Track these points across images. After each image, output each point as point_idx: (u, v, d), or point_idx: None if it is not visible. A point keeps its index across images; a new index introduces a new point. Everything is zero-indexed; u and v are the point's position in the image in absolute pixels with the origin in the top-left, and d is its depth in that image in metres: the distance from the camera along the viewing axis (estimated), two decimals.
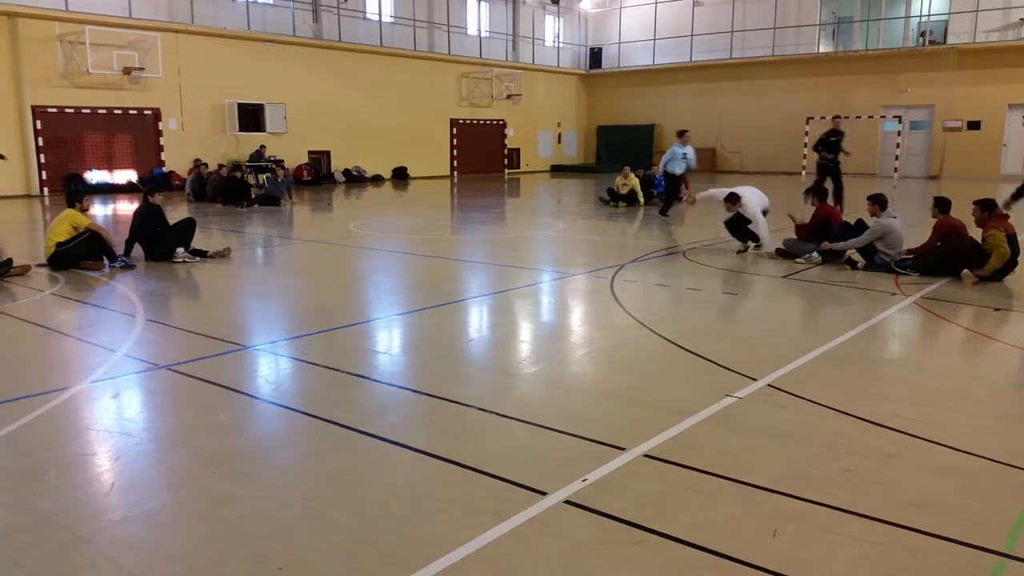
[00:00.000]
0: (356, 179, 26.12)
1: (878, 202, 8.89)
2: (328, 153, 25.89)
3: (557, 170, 34.04)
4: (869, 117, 27.80)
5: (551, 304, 7.60)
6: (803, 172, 28.57)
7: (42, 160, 19.65)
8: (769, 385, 4.78)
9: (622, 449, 3.79)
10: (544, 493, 3.32)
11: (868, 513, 3.19)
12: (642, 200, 16.94)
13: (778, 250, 9.86)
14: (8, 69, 18.90)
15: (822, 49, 29.60)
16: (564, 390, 4.93)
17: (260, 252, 11.25)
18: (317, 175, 24.77)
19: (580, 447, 3.87)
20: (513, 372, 5.33)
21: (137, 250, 9.55)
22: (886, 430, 4.11)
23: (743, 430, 4.10)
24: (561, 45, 34.53)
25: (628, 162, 18.96)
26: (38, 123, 19.45)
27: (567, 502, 3.26)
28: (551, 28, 34.20)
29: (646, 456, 3.73)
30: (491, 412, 4.33)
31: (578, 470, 3.54)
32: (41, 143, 19.55)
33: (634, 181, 17.14)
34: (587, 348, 5.94)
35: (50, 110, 19.62)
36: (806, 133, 28.06)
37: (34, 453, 3.84)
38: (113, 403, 4.59)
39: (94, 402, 4.60)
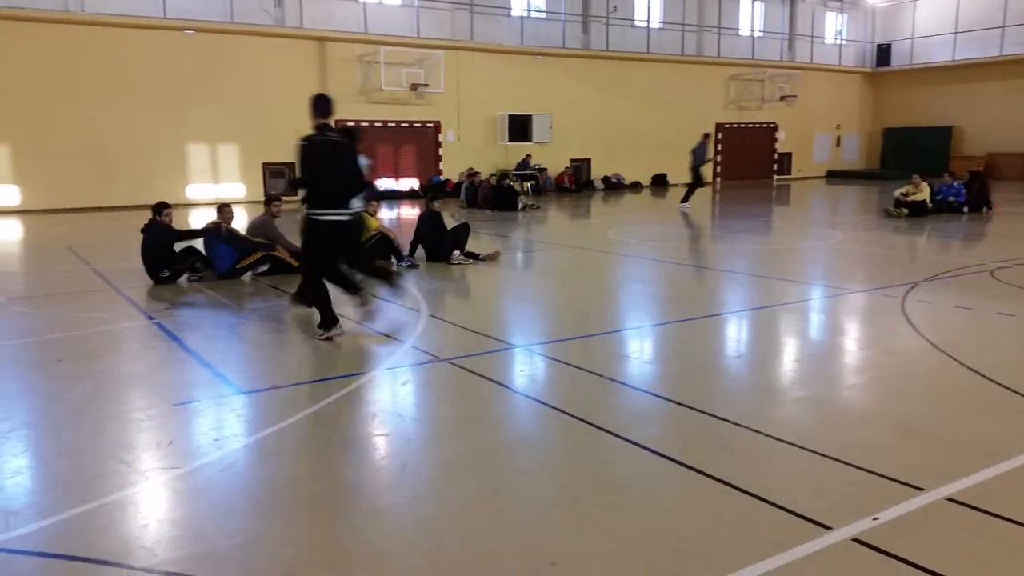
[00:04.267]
0: (614, 186, 26.35)
1: None
2: (588, 161, 26.42)
3: (834, 176, 31.72)
4: None
5: (827, 322, 7.04)
6: None
7: None
8: None
9: (920, 489, 3.38)
10: (828, 527, 3.06)
11: None
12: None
13: None
14: (318, 87, 21.62)
15: None
16: (845, 418, 4.52)
17: (525, 257, 11.74)
18: (577, 182, 25.39)
19: (867, 482, 3.52)
20: (783, 393, 5.01)
21: (418, 251, 10.40)
22: None
23: None
24: (843, 42, 32.12)
25: (920, 168, 17.10)
26: None
27: (855, 540, 2.97)
28: (832, 25, 31.94)
29: (949, 500, 3.30)
30: (763, 434, 4.10)
31: (866, 507, 3.22)
32: None
33: (925, 190, 15.47)
34: (872, 373, 5.41)
35: (349, 123, 22.14)
36: None
37: (338, 429, 4.33)
38: (403, 389, 5.03)
39: (386, 388, 5.07)
